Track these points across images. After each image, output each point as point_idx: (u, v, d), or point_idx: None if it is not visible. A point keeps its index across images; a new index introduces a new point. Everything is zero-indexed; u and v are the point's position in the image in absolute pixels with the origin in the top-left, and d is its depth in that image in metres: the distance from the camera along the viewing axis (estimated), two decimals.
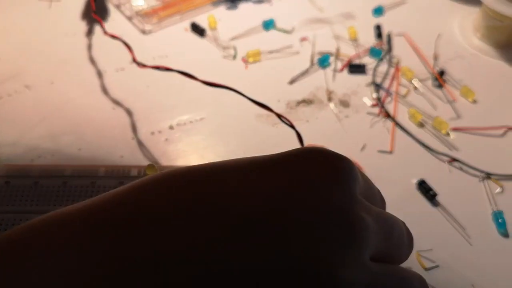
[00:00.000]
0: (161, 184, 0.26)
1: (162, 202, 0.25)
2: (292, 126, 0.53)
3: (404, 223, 0.32)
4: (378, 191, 0.33)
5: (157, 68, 0.57)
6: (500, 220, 0.56)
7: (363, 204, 0.27)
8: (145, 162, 0.58)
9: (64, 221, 0.24)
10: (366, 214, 0.27)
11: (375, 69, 0.72)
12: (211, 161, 0.28)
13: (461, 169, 0.61)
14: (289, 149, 0.29)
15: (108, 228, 0.23)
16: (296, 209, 0.25)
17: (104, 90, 0.67)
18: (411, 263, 0.52)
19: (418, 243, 0.52)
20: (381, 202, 0.33)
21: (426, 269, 0.52)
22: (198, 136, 0.62)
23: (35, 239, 0.23)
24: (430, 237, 0.54)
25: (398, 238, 0.30)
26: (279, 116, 0.54)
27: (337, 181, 0.27)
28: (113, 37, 0.62)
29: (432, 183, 0.58)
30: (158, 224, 0.24)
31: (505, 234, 0.55)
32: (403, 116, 0.67)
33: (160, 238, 0.23)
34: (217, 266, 0.23)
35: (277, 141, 0.62)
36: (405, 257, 0.32)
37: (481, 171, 0.61)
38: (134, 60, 0.60)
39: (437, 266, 0.52)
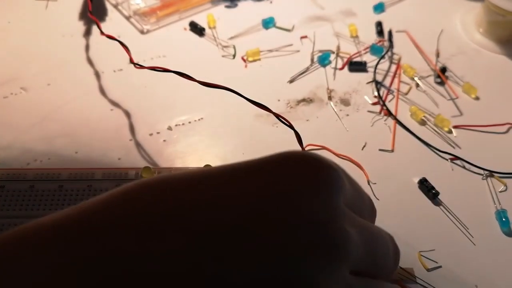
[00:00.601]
0: (132, 194, 0.25)
1: (137, 211, 0.24)
2: (290, 126, 0.52)
3: (391, 238, 0.31)
4: (369, 200, 0.32)
5: (153, 69, 0.56)
6: (504, 219, 0.55)
7: (347, 215, 0.26)
8: (143, 164, 0.57)
9: (54, 224, 0.24)
10: (350, 226, 0.26)
11: (376, 67, 0.71)
12: (205, 165, 0.27)
13: (463, 167, 0.60)
14: (282, 151, 0.28)
15: (90, 235, 0.23)
16: (272, 219, 0.24)
17: (102, 91, 0.66)
18: (413, 263, 0.51)
19: (420, 243, 0.52)
20: (371, 211, 0.32)
21: (428, 270, 0.51)
22: (197, 137, 0.61)
23: (26, 240, 0.23)
24: (432, 237, 0.54)
25: (383, 253, 0.29)
26: (278, 116, 0.53)
27: (319, 190, 0.26)
28: (110, 37, 0.62)
29: (434, 181, 0.57)
30: (135, 232, 0.23)
31: (509, 233, 0.54)
32: (404, 114, 0.66)
33: (139, 246, 0.23)
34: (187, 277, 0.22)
35: (277, 141, 0.61)
36: (390, 272, 0.31)
37: (484, 169, 0.60)
38: (131, 61, 0.59)
39: (439, 267, 0.51)
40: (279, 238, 0.24)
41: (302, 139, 0.54)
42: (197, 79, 0.54)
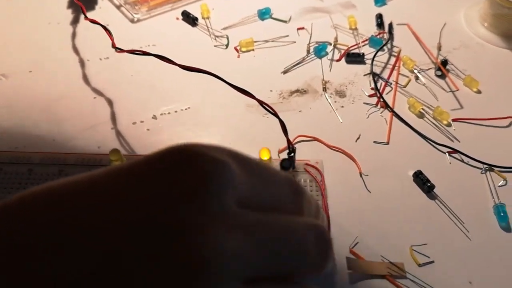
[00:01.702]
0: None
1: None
2: (275, 114, 0.50)
3: (317, 227, 0.26)
4: (289, 184, 0.27)
5: (133, 52, 0.54)
6: (502, 214, 0.52)
7: (233, 216, 0.22)
8: (123, 153, 0.54)
9: None
10: (235, 229, 0.22)
11: (373, 58, 0.68)
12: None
13: (462, 160, 0.58)
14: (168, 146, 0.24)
15: None
16: (130, 229, 0.21)
17: (86, 79, 0.64)
18: (404, 258, 0.49)
19: (413, 237, 0.50)
20: (293, 197, 0.27)
21: (420, 265, 0.48)
22: (183, 126, 0.59)
23: None
24: (426, 232, 0.51)
25: (292, 250, 0.25)
26: (262, 103, 0.51)
27: (193, 192, 0.22)
28: (93, 22, 0.59)
29: (430, 175, 0.55)
30: None
31: (507, 228, 0.52)
32: (402, 107, 0.63)
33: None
34: None
35: (266, 132, 0.59)
36: (314, 270, 0.26)
37: (484, 163, 0.57)
38: (113, 45, 0.57)
39: (432, 262, 0.49)
40: (133, 257, 0.20)
41: (294, 130, 0.53)
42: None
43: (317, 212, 0.30)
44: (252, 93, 0.51)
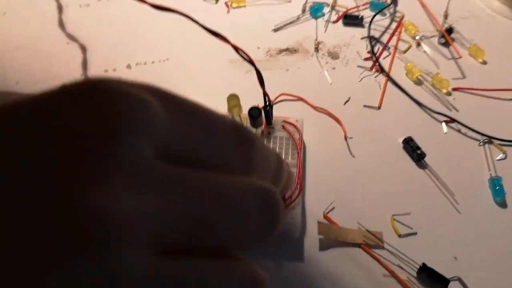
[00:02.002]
0: None
1: None
2: (251, 62, 0.45)
3: (264, 190, 0.21)
4: (236, 133, 0.22)
5: None
6: (497, 187, 0.47)
7: (145, 173, 0.17)
8: None
9: None
10: (142, 189, 0.17)
11: (371, 21, 0.63)
12: None
13: (459, 131, 0.53)
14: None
15: None
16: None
17: (61, 25, 0.60)
18: (384, 227, 0.44)
19: (396, 206, 0.45)
20: (239, 149, 0.22)
21: (400, 236, 0.44)
22: (158, 77, 0.55)
23: None
24: (411, 202, 0.47)
25: (226, 219, 0.20)
26: (237, 49, 0.45)
27: (90, 141, 0.17)
28: None
29: (423, 143, 0.50)
30: None
31: (502, 203, 0.47)
32: (399, 73, 0.58)
33: None
34: None
35: (247, 88, 0.53)
36: (255, 241, 0.21)
37: (483, 135, 0.52)
38: None
39: (414, 233, 0.44)
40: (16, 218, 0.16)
41: (278, 88, 0.51)
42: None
43: (278, 168, 0.25)
44: (238, 49, 0.46)
